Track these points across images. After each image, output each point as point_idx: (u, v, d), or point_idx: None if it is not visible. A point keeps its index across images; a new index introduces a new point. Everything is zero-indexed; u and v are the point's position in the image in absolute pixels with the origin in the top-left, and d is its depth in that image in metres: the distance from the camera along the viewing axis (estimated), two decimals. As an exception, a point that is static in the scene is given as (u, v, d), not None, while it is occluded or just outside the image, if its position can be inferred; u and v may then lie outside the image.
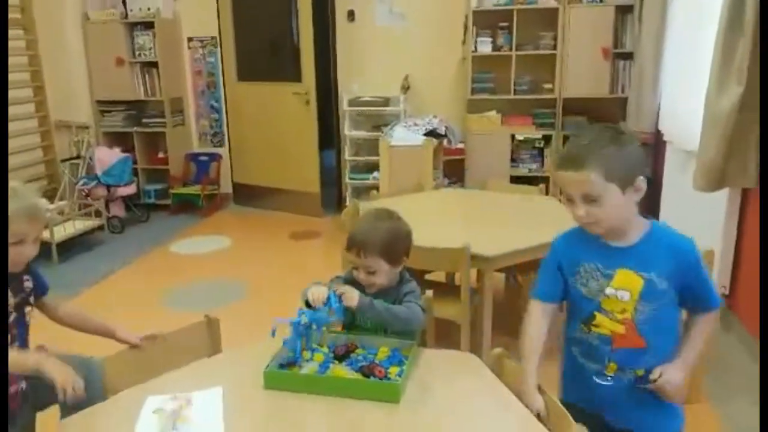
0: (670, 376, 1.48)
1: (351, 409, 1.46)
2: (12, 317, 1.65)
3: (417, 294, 1.81)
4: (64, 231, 4.67)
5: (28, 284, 1.73)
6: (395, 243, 1.79)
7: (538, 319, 1.63)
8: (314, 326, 1.62)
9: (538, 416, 1.44)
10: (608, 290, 1.52)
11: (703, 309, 1.55)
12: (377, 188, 4.63)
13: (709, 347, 1.56)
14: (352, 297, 1.67)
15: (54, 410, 1.68)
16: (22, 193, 1.63)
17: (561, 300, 1.64)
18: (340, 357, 1.64)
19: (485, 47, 5.10)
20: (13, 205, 1.57)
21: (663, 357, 1.51)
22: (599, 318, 1.54)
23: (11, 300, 1.64)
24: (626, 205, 1.47)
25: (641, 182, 1.46)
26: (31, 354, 1.56)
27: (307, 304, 1.68)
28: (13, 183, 1.65)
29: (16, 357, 1.56)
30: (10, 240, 1.57)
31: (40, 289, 1.78)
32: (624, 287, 1.50)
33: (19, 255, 1.61)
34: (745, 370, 2.77)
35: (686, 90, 3.93)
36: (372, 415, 1.44)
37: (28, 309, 1.70)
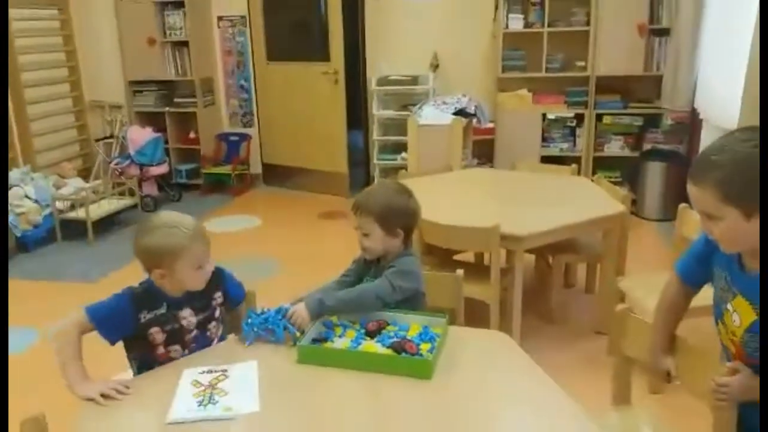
0: (737, 380, 1.34)
1: (383, 384, 1.48)
2: (192, 334, 1.69)
3: (401, 272, 1.75)
4: (98, 210, 4.77)
5: (217, 300, 1.75)
6: (392, 211, 1.80)
7: (672, 296, 1.56)
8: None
9: (669, 375, 1.45)
10: (729, 305, 1.40)
11: None
12: (405, 168, 4.62)
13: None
14: (303, 318, 1.64)
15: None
16: (177, 221, 1.64)
17: (700, 286, 1.54)
18: (372, 333, 1.65)
19: (516, 24, 5.01)
20: (184, 236, 1.60)
21: None
22: (720, 327, 1.46)
23: (192, 318, 1.68)
24: (751, 228, 1.21)
25: None
26: (70, 367, 1.57)
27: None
28: (160, 217, 1.67)
29: (62, 362, 1.58)
30: (195, 266, 1.62)
31: (232, 304, 1.82)
32: (738, 311, 1.37)
33: (205, 275, 1.67)
34: None
35: (725, 67, 3.82)
36: (404, 390, 1.45)
37: (212, 325, 1.73)
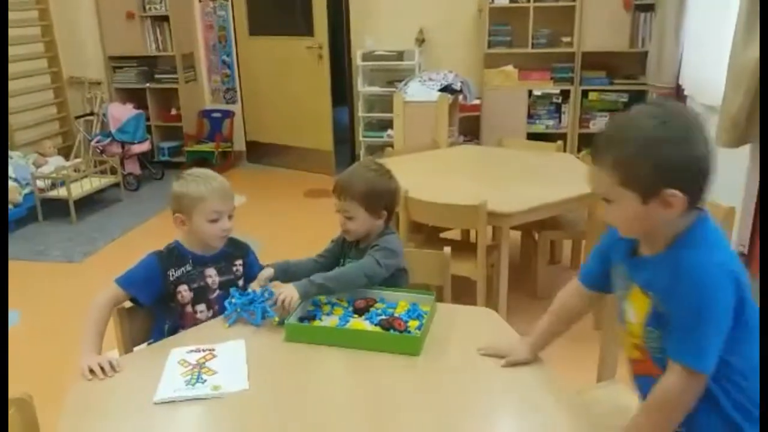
0: None
1: (371, 361, 1.48)
2: (215, 294, 1.78)
3: (385, 249, 1.75)
4: (80, 188, 4.70)
5: (240, 269, 1.83)
6: (376, 193, 1.79)
7: (563, 294, 1.47)
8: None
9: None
10: (625, 303, 1.25)
11: (672, 355, 1.13)
12: (392, 146, 4.60)
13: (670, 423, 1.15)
14: (293, 299, 1.61)
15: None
16: (209, 175, 1.77)
17: (602, 289, 1.40)
18: (360, 311, 1.65)
19: (503, -1, 4.96)
20: (206, 187, 1.72)
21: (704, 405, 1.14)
22: (622, 334, 1.30)
23: (216, 278, 1.78)
24: (648, 213, 1.11)
25: (674, 197, 1.08)
26: (84, 343, 1.60)
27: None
28: (196, 169, 1.81)
29: (84, 336, 1.62)
30: (209, 218, 1.71)
31: (250, 276, 1.83)
32: (634, 305, 1.22)
33: (219, 230, 1.74)
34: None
35: (710, 42, 3.82)
36: (392, 367, 1.46)
37: (233, 289, 1.76)
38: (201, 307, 1.76)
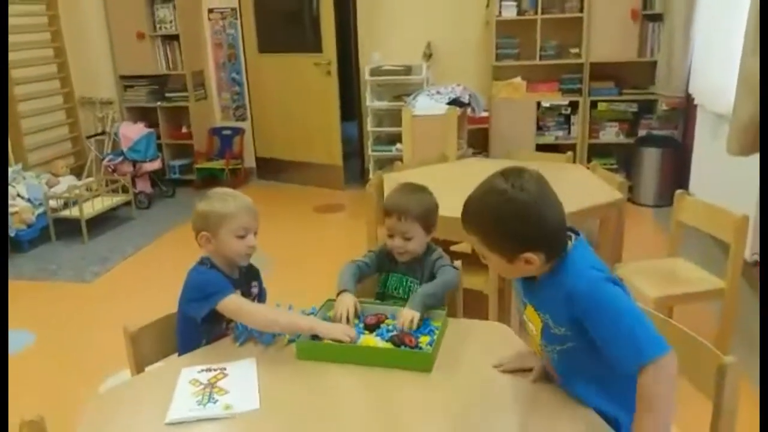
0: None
1: (383, 378, 1.47)
2: None
3: (445, 257, 1.87)
4: (92, 208, 4.74)
5: (255, 290, 1.86)
6: (432, 212, 1.88)
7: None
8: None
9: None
10: (525, 316, 1.43)
11: (629, 367, 1.20)
12: (401, 160, 4.60)
13: (665, 414, 1.19)
14: (412, 321, 1.62)
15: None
16: (233, 193, 1.81)
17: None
18: (371, 327, 1.64)
19: (510, 11, 4.98)
20: (233, 204, 1.74)
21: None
22: (528, 339, 1.48)
23: None
24: (516, 268, 1.29)
25: (531, 258, 1.25)
26: (301, 318, 1.66)
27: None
28: (220, 188, 1.85)
29: (289, 321, 1.65)
30: (237, 233, 1.72)
31: (261, 299, 1.89)
32: (531, 320, 1.39)
33: (246, 247, 1.75)
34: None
35: (719, 50, 3.80)
36: (404, 384, 1.44)
37: None
38: (232, 324, 1.74)
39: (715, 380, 1.39)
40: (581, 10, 4.86)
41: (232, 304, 1.64)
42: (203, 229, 1.74)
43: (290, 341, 1.61)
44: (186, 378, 1.48)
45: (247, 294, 1.81)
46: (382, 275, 1.91)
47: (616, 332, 1.20)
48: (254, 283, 1.86)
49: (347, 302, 1.70)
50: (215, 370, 1.51)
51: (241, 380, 1.46)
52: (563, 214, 1.29)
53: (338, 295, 1.74)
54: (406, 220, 1.80)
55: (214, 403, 1.38)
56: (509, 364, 1.48)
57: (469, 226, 1.31)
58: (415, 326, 1.61)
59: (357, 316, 1.69)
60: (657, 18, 4.75)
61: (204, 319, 1.67)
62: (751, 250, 3.23)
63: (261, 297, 1.87)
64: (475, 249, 1.35)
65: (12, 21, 4.79)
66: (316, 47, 5.38)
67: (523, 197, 1.23)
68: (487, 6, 5.14)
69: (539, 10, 4.91)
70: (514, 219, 1.23)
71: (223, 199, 1.76)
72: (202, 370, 1.51)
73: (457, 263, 2.02)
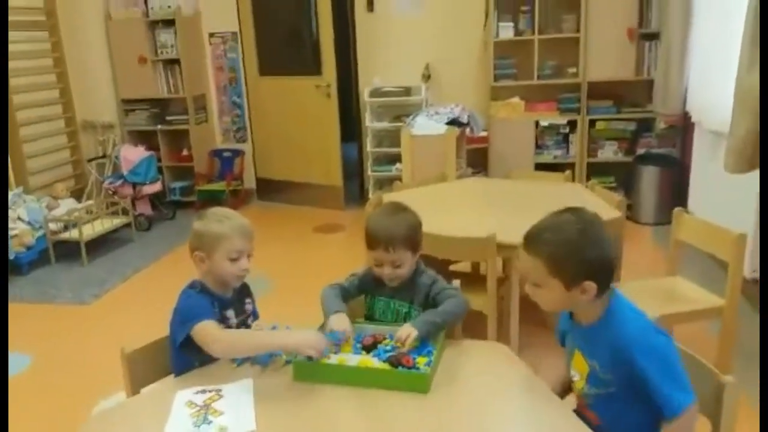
0: None
1: (380, 399, 1.45)
2: None
3: (441, 280, 1.82)
4: (92, 230, 4.74)
5: (249, 307, 1.86)
6: (417, 231, 1.82)
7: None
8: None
9: None
10: (571, 362, 1.52)
11: (664, 416, 1.34)
12: (400, 179, 4.62)
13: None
14: (411, 336, 1.60)
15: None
16: (231, 214, 1.81)
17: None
18: (368, 348, 1.63)
19: (507, 32, 5.02)
20: (229, 226, 1.74)
21: None
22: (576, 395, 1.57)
23: (234, 319, 1.77)
24: (571, 297, 1.40)
25: (589, 286, 1.38)
26: (269, 336, 1.66)
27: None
28: (218, 208, 1.85)
29: (257, 344, 1.63)
30: (230, 256, 1.71)
31: (254, 316, 1.88)
32: (576, 367, 1.50)
33: (239, 269, 1.74)
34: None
35: (716, 68, 3.83)
36: (401, 405, 1.43)
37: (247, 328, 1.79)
38: None
39: (714, 399, 1.38)
40: (578, 30, 4.90)
41: (202, 331, 1.59)
42: (198, 248, 1.74)
43: (287, 362, 1.60)
44: (182, 400, 1.47)
45: (241, 311, 1.80)
46: (368, 299, 1.87)
47: (666, 378, 1.32)
48: (247, 301, 1.86)
49: (344, 324, 1.66)
50: (211, 391, 1.50)
51: (237, 401, 1.45)
52: (614, 255, 1.44)
53: (331, 315, 1.70)
54: (395, 250, 1.74)
55: (209, 424, 1.37)
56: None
57: (538, 249, 1.41)
58: (409, 343, 1.58)
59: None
60: (653, 37, 4.79)
61: (184, 344, 1.63)
62: (750, 267, 3.22)
63: (255, 313, 1.86)
64: (527, 277, 1.44)
65: (15, 47, 4.85)
66: (316, 70, 5.43)
67: (594, 228, 1.41)
68: (485, 27, 5.19)
69: (536, 31, 4.96)
70: (587, 247, 1.38)
71: (219, 220, 1.76)
72: (198, 392, 1.50)
73: (456, 282, 2.02)
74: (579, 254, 1.37)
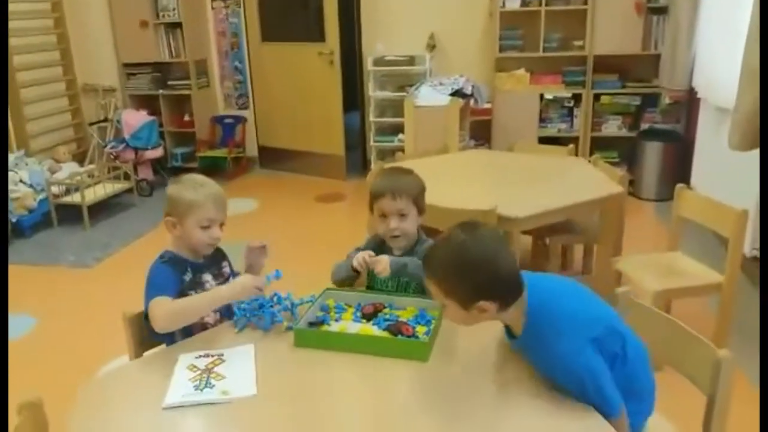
0: None
1: (379, 366, 1.48)
2: None
3: None
4: (94, 194, 4.75)
5: (227, 270, 1.86)
6: (422, 192, 1.86)
7: None
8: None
9: None
10: None
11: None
12: (402, 150, 4.60)
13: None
14: (384, 267, 1.68)
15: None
16: (205, 182, 1.77)
17: None
18: (368, 316, 1.65)
19: (513, 2, 4.95)
20: (202, 193, 1.72)
21: None
22: None
23: (213, 282, 1.78)
24: (471, 316, 1.37)
25: (486, 305, 1.34)
26: (212, 292, 1.68)
27: (354, 270, 1.80)
28: (194, 175, 1.83)
29: (203, 302, 1.65)
30: (201, 224, 1.72)
31: (233, 278, 1.86)
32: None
33: (209, 238, 1.74)
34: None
35: (723, 44, 3.79)
36: (400, 372, 1.45)
37: None
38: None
39: (710, 374, 1.40)
40: (585, 3, 4.82)
41: (152, 309, 1.58)
42: (170, 214, 1.74)
43: (288, 328, 1.62)
44: (183, 363, 1.49)
45: (218, 275, 1.81)
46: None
47: (590, 395, 1.31)
48: (224, 264, 1.85)
49: (383, 264, 1.72)
50: (213, 355, 1.52)
51: (239, 366, 1.47)
52: (516, 265, 1.39)
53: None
54: (400, 198, 1.78)
55: (211, 388, 1.39)
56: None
57: (430, 272, 1.39)
58: (380, 269, 1.70)
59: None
60: (661, 11, 4.73)
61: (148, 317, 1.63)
62: (750, 245, 3.23)
63: (232, 275, 1.86)
64: (434, 297, 1.43)
65: (14, 7, 4.78)
66: (319, 37, 5.36)
67: (479, 249, 1.34)
68: (492, -4, 5.11)
69: (543, 2, 4.88)
70: (471, 270, 1.32)
71: (194, 187, 1.74)
72: (200, 356, 1.52)
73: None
74: (468, 277, 1.32)
